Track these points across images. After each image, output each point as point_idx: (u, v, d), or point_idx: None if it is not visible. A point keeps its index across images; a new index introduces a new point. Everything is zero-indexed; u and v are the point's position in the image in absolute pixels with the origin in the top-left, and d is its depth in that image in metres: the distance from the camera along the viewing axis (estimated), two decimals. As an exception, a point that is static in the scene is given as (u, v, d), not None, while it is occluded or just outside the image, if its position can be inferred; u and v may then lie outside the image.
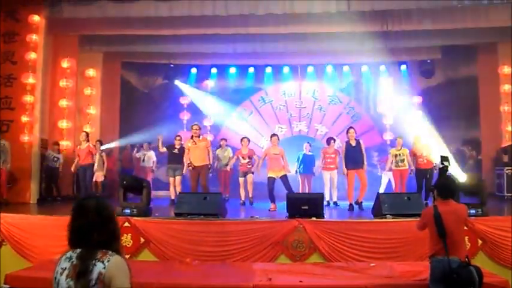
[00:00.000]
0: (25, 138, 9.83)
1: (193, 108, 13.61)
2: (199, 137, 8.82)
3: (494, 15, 9.63)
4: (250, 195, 10.02)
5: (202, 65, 13.53)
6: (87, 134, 9.98)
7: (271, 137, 9.32)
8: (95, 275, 2.20)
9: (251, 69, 13.57)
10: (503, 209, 8.90)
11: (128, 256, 6.73)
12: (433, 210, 4.35)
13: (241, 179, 10.15)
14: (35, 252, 6.77)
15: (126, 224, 6.79)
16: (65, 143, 11.18)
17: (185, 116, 13.53)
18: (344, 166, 9.14)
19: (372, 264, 5.88)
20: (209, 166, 9.24)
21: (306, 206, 7.07)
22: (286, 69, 13.58)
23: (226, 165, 10.60)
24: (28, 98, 9.95)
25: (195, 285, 5.15)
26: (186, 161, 9.01)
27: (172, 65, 13.44)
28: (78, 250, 2.28)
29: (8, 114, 9.92)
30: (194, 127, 8.93)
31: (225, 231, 6.75)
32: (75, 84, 11.71)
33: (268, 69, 13.61)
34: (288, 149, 9.90)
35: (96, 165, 10.11)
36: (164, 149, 10.29)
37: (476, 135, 12.73)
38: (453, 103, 12.83)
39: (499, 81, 11.69)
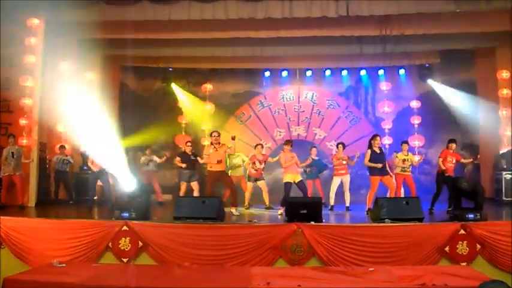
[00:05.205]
0: (23, 141, 9.82)
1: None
2: (219, 143, 9.02)
3: (492, 19, 9.66)
4: (268, 203, 10.07)
5: (201, 68, 13.50)
6: None
7: (284, 144, 9.55)
8: None
9: (250, 73, 13.55)
10: (502, 214, 8.90)
11: (126, 260, 6.73)
12: None
13: (250, 184, 10.20)
14: (33, 256, 6.76)
15: (125, 227, 6.79)
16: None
17: (183, 120, 13.51)
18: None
19: (371, 269, 5.87)
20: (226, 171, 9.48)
21: (304, 210, 7.07)
22: (285, 73, 13.55)
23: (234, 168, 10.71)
24: (27, 101, 9.97)
25: (193, 289, 5.14)
26: (204, 160, 9.30)
27: (171, 69, 13.43)
28: None
29: (6, 117, 9.92)
30: (214, 134, 9.10)
31: (224, 235, 6.76)
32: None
33: (267, 73, 13.60)
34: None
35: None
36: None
37: (474, 139, 12.73)
38: (452, 107, 12.81)
39: (498, 86, 11.71)
